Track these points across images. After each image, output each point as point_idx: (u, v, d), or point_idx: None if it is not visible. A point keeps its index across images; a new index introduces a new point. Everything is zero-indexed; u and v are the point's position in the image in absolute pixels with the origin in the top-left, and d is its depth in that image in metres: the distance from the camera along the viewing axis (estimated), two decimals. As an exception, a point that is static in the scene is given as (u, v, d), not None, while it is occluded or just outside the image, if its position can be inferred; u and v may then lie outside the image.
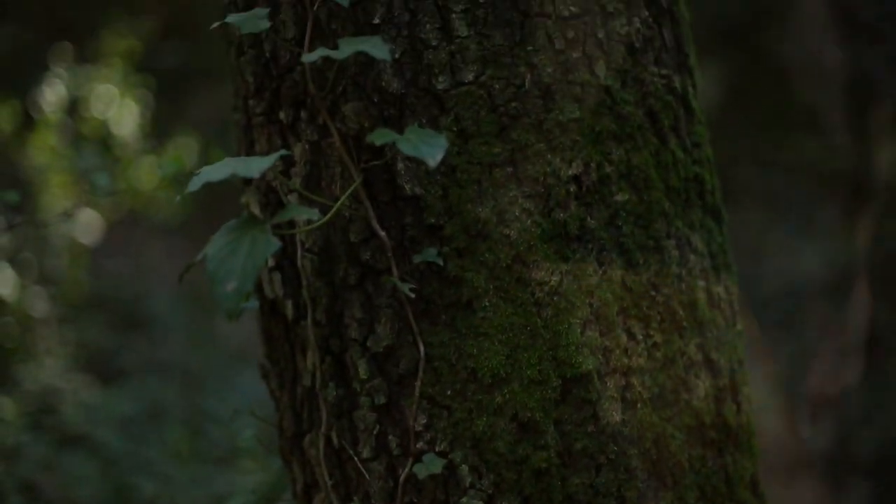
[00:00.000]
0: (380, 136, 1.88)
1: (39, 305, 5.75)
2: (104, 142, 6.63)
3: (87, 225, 6.05)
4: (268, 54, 2.08)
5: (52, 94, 6.74)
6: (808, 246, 7.48)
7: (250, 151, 2.14)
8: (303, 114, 2.04)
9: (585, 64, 2.04)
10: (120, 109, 6.67)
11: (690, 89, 2.19)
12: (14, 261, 5.64)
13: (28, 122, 6.79)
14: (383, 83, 1.99)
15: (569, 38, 2.03)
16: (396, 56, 1.99)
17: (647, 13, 2.11)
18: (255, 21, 1.96)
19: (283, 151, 1.93)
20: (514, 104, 2.00)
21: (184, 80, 7.84)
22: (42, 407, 5.09)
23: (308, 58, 1.89)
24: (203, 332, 6.34)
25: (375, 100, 2.00)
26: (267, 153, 2.09)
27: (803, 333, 6.69)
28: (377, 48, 1.88)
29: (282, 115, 2.07)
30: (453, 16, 1.99)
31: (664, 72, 2.12)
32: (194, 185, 1.86)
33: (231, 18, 1.97)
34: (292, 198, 2.07)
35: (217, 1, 2.26)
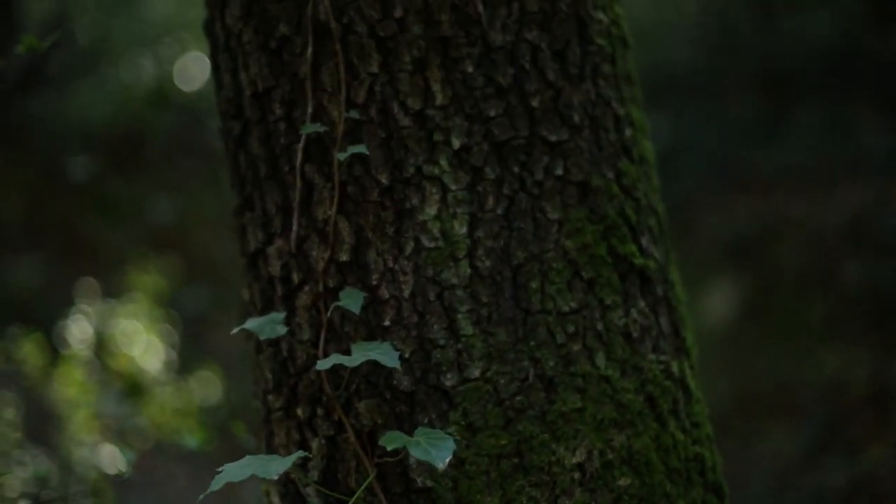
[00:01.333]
0: (391, 441, 1.99)
1: (64, 541, 5.78)
2: (130, 377, 6.76)
3: (112, 459, 6.12)
4: (285, 353, 2.20)
5: (77, 330, 6.89)
6: (831, 459, 7.49)
7: (270, 442, 2.24)
8: (319, 410, 2.15)
9: (586, 356, 2.15)
10: (146, 345, 6.81)
11: (688, 370, 2.29)
12: (37, 497, 5.69)
13: (54, 356, 6.91)
14: (394, 382, 2.10)
15: (569, 332, 2.14)
16: (406, 356, 2.10)
17: (643, 303, 2.23)
18: (272, 327, 2.08)
19: (300, 453, 2.02)
20: (518, 397, 2.11)
21: (206, 316, 8.02)
22: None
23: (322, 365, 2.01)
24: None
25: (387, 397, 2.10)
26: (286, 445, 2.20)
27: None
28: (387, 356, 2.00)
29: (299, 411, 2.17)
30: (459, 316, 2.11)
31: (662, 358, 2.23)
32: (217, 483, 1.96)
33: (250, 325, 2.09)
34: (310, 490, 2.16)
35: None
